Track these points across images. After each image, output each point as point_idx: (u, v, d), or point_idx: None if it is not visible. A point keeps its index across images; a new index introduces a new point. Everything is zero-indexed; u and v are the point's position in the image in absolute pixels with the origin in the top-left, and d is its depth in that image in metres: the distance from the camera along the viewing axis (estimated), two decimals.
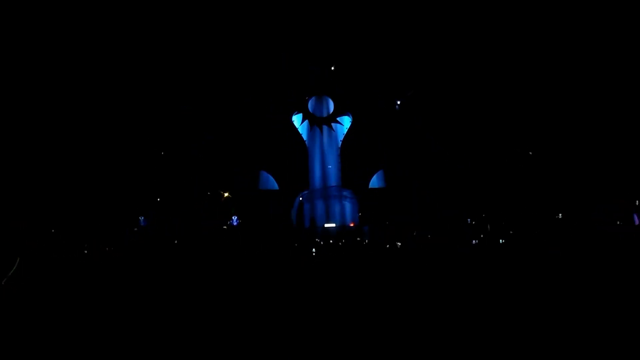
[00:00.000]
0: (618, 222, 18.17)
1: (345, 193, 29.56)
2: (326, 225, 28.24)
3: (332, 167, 30.05)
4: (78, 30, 22.41)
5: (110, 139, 24.01)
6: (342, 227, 28.03)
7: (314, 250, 16.72)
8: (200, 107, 26.73)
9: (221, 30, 26.07)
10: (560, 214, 20.20)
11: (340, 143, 30.10)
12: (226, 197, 27.37)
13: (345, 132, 30.05)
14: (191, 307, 7.25)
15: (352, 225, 28.64)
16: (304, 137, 30.22)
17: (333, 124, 30.19)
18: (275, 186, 29.22)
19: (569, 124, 21.95)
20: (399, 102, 28.38)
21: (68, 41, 22.17)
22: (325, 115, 30.43)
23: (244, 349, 5.21)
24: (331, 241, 22.76)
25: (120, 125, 24.36)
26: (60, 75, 22.37)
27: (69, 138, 22.83)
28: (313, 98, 30.43)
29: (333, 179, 29.91)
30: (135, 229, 23.25)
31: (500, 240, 17.58)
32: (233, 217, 25.13)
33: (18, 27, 20.90)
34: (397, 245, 19.81)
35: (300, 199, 29.39)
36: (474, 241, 20.62)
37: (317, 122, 30.21)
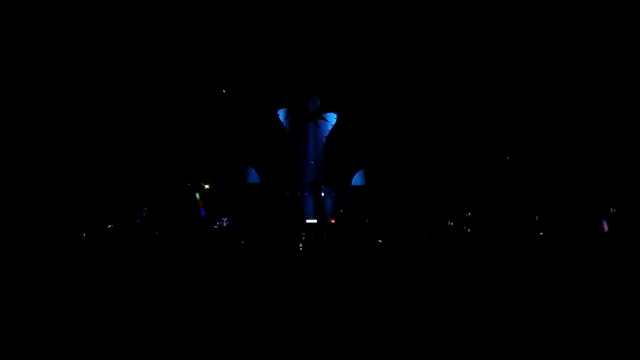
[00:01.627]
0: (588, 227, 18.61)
1: (327, 189, 29.77)
2: (308, 221, 28.41)
3: (315, 163, 30.19)
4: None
5: (94, 134, 23.59)
6: (323, 223, 28.26)
7: (300, 245, 16.88)
8: (184, 101, 26.50)
9: (206, 24, 25.87)
10: (538, 216, 20.69)
11: (324, 139, 30.28)
12: (206, 189, 27.25)
13: (329, 129, 30.26)
14: (185, 305, 7.31)
15: (332, 221, 28.89)
16: (288, 132, 30.27)
17: (318, 120, 30.34)
18: (257, 180, 29.23)
19: (552, 126, 22.37)
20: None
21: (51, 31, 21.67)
22: (310, 111, 30.55)
23: (240, 348, 5.32)
24: (312, 237, 22.92)
25: (105, 120, 23.96)
26: (42, 69, 21.87)
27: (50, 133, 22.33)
28: (299, 93, 30.50)
29: (316, 175, 30.06)
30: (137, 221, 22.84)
31: (482, 239, 17.97)
32: (222, 219, 24.95)
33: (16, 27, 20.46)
34: (378, 242, 20.07)
35: (282, 194, 29.47)
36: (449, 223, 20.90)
37: (301, 117, 30.30)
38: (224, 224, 24.59)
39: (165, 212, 23.14)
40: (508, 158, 23.95)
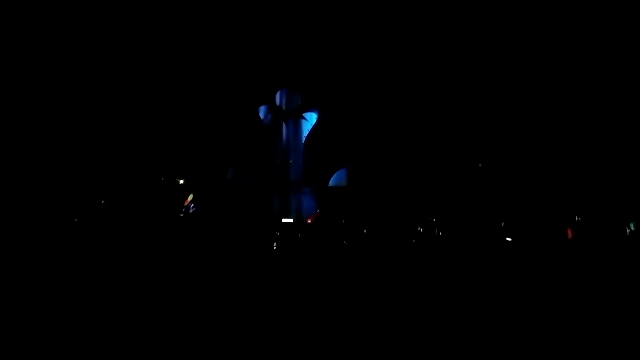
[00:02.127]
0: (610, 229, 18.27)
1: (305, 189, 29.51)
2: (284, 220, 28.06)
3: (294, 162, 29.90)
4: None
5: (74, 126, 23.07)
6: (299, 223, 27.95)
7: (274, 244, 16.57)
8: (163, 96, 26.08)
9: (188, 20, 25.50)
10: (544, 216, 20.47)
11: (304, 138, 30.01)
12: (182, 184, 26.79)
13: (310, 128, 30.01)
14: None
15: (309, 221, 28.62)
16: (267, 129, 29.91)
17: (299, 119, 30.06)
18: (234, 177, 28.82)
19: (555, 125, 22.27)
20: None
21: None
22: (292, 109, 30.26)
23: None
24: (287, 236, 22.58)
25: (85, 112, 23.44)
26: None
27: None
28: (280, 91, 30.20)
29: (294, 174, 29.76)
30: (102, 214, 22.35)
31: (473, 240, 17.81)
32: (191, 204, 24.55)
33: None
34: (355, 242, 19.86)
35: (260, 192, 29.09)
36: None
37: (282, 115, 29.99)
38: (191, 210, 24.32)
39: (148, 209, 22.80)
40: (515, 153, 23.47)
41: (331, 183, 29.45)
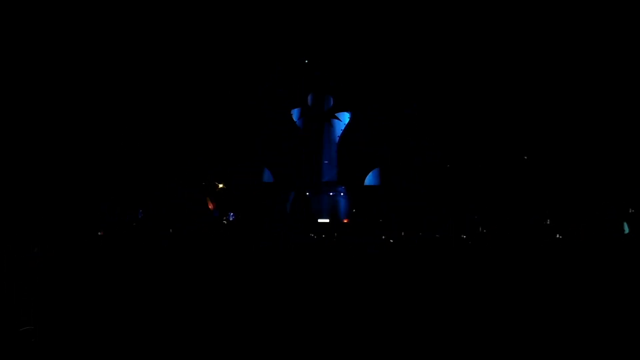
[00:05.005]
0: (607, 230, 18.21)
1: (340, 189, 29.59)
2: (320, 220, 28.25)
3: (329, 162, 30.06)
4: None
5: (108, 131, 23.77)
6: (335, 223, 28.08)
7: (308, 244, 16.80)
8: (198, 99, 26.67)
9: (221, 22, 25.99)
10: (550, 219, 20.22)
11: (338, 139, 30.12)
12: (220, 188, 27.35)
13: (343, 129, 30.10)
14: (189, 303, 7.24)
15: (345, 221, 28.69)
16: (302, 131, 30.19)
17: (332, 120, 30.20)
18: (271, 179, 29.21)
19: (564, 126, 21.99)
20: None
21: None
22: (324, 110, 30.43)
23: (240, 344, 5.21)
24: (324, 236, 22.82)
25: (116, 119, 24.15)
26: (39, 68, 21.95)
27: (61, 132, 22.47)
28: (313, 93, 30.42)
29: (329, 175, 29.92)
30: (134, 223, 23.08)
31: (494, 241, 17.68)
32: (230, 213, 25.18)
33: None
34: (389, 242, 19.90)
35: (295, 193, 29.39)
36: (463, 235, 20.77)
37: (316, 117, 30.21)
38: (231, 218, 24.88)
39: (166, 212, 23.32)
40: (525, 157, 23.48)
41: (367, 182, 29.45)
